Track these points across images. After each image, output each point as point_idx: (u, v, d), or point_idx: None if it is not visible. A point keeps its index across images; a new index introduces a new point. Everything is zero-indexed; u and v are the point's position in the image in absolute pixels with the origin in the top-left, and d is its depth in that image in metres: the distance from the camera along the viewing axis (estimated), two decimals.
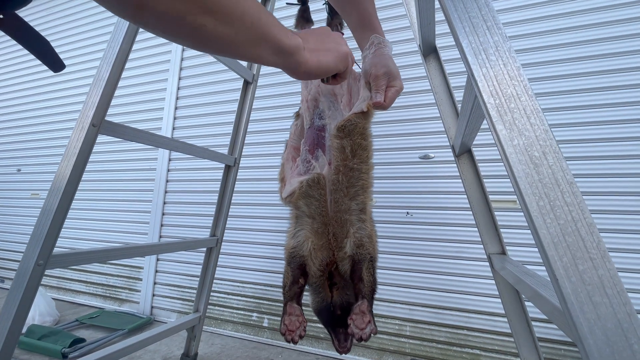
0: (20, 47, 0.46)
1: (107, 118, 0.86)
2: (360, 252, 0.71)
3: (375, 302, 1.75)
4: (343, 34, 1.04)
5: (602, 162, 1.35)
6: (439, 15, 0.70)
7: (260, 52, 0.45)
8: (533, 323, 0.65)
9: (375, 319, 1.75)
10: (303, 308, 0.71)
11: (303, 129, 0.88)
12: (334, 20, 1.05)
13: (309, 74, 0.52)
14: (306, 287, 0.76)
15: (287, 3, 1.30)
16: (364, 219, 0.75)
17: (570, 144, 1.40)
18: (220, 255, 1.40)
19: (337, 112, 0.83)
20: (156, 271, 2.10)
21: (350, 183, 0.73)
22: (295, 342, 0.66)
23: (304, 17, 1.13)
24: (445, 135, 0.84)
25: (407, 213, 1.59)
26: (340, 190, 0.73)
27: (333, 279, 0.75)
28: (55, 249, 0.79)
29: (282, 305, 0.72)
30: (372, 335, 0.64)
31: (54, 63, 0.48)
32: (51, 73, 2.76)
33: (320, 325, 1.64)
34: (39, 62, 0.51)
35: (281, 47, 0.47)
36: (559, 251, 0.31)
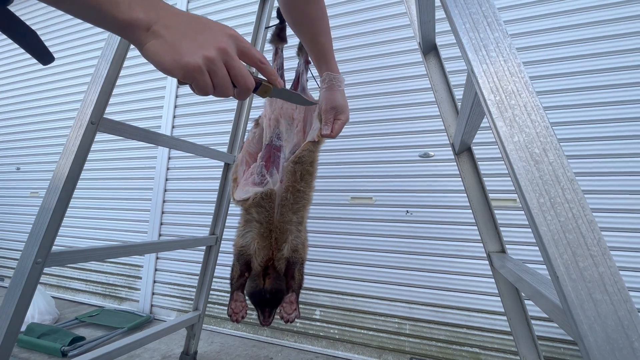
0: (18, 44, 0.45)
1: (105, 116, 0.85)
2: (295, 255, 0.90)
3: (374, 300, 1.74)
4: None
5: (603, 160, 1.35)
6: (439, 13, 0.70)
7: (94, 20, 0.37)
8: (532, 321, 0.65)
9: (375, 317, 1.74)
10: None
11: (261, 139, 1.02)
12: None
13: (147, 59, 0.40)
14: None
15: (266, 27, 1.32)
16: (301, 230, 0.93)
17: (570, 142, 1.39)
18: (219, 254, 1.40)
19: (291, 135, 0.99)
20: (156, 270, 2.10)
21: (295, 201, 0.91)
22: (238, 322, 0.88)
23: (279, 36, 1.18)
24: (445, 134, 0.84)
25: (407, 211, 1.59)
26: (287, 205, 0.90)
27: (267, 271, 0.91)
28: (54, 247, 0.79)
29: None
30: (296, 318, 0.89)
31: (43, 55, 0.47)
32: (50, 71, 2.75)
33: (320, 324, 1.65)
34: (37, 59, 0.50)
35: (113, 19, 0.37)
36: (560, 248, 0.30)
